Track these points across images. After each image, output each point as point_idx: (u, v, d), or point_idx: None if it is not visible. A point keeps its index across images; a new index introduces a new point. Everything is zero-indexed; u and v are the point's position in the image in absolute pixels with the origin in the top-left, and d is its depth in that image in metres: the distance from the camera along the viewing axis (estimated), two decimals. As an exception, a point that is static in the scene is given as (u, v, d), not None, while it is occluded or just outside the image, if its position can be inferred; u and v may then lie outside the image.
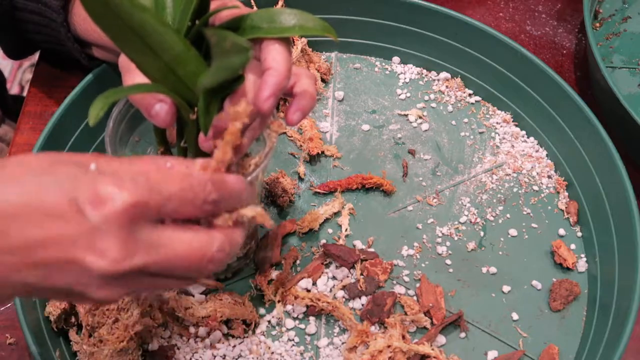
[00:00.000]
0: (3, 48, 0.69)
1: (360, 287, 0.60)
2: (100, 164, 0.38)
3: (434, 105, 0.74)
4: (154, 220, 0.38)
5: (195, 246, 0.39)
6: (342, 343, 0.58)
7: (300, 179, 0.68)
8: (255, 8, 0.71)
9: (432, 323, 0.59)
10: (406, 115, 0.73)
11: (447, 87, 0.75)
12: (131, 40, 0.40)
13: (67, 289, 0.37)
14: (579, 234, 0.66)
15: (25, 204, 0.36)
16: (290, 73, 0.46)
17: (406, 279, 0.62)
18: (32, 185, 0.36)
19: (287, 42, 0.46)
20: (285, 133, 0.71)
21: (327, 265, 0.62)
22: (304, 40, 0.73)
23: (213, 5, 0.47)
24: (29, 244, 0.36)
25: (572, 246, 0.65)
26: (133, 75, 0.48)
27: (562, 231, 0.66)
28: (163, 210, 0.37)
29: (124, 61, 0.49)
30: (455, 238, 0.65)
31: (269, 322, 0.59)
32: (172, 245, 0.38)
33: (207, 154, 0.48)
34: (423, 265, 0.63)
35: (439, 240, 0.65)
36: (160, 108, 0.45)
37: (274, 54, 0.45)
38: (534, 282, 0.63)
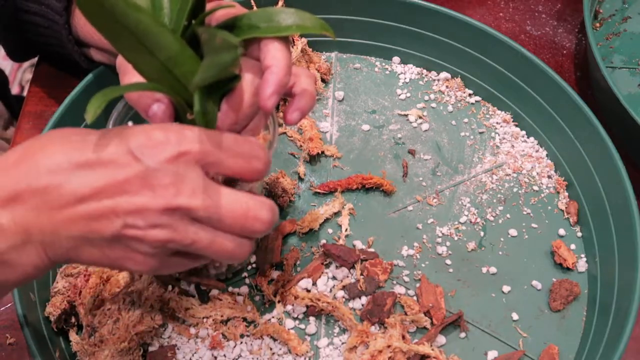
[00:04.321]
0: (6, 49, 0.69)
1: (360, 287, 0.60)
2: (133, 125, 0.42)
3: (434, 105, 0.74)
4: (202, 169, 0.40)
5: (240, 199, 0.41)
6: (342, 343, 0.58)
7: (300, 179, 0.68)
8: (255, 8, 0.71)
9: (432, 323, 0.59)
10: (406, 115, 0.73)
11: (447, 87, 0.75)
12: (127, 40, 0.40)
13: (115, 234, 0.39)
14: (579, 234, 0.66)
15: (78, 161, 0.39)
16: (291, 70, 0.46)
17: (406, 279, 0.62)
18: (81, 144, 0.40)
19: (286, 41, 0.46)
20: (285, 133, 0.71)
21: (327, 265, 0.62)
22: (304, 40, 0.73)
23: (209, 6, 0.47)
24: (85, 195, 0.39)
25: (572, 246, 0.65)
26: (130, 76, 0.48)
27: (562, 231, 0.66)
28: (210, 159, 0.40)
29: (121, 62, 0.49)
30: (455, 238, 0.65)
31: (269, 322, 0.59)
32: (219, 193, 0.41)
33: None
34: (423, 265, 0.63)
35: (439, 240, 0.65)
36: (157, 108, 0.45)
37: (273, 52, 0.45)
38: (534, 282, 0.63)
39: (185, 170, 0.39)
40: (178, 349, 0.57)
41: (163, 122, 0.46)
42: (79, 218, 0.39)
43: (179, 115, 0.46)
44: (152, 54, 0.41)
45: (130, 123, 0.53)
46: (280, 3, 0.71)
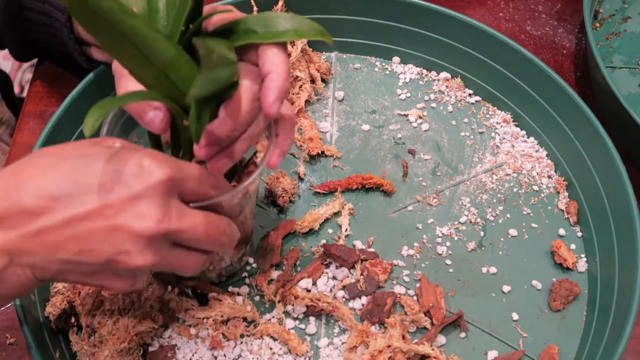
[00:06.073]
0: (9, 48, 0.70)
1: (360, 287, 0.60)
2: (123, 144, 0.44)
3: (434, 105, 0.74)
4: (179, 196, 0.43)
5: (211, 218, 0.45)
6: (342, 343, 0.58)
7: (300, 179, 0.68)
8: (255, 8, 0.71)
9: (432, 323, 0.59)
10: (406, 115, 0.73)
11: (447, 87, 0.75)
12: (123, 46, 0.40)
13: (106, 260, 0.41)
14: (579, 234, 0.66)
15: (66, 185, 0.40)
16: (289, 76, 0.46)
17: (406, 279, 0.62)
18: (70, 168, 0.41)
19: (284, 46, 0.46)
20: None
21: (327, 265, 0.62)
22: (304, 40, 0.73)
23: (206, 10, 0.47)
24: (73, 219, 0.40)
25: (572, 246, 0.65)
26: (126, 81, 0.47)
27: (562, 231, 0.66)
28: (185, 187, 0.43)
29: (117, 67, 0.49)
30: (455, 238, 0.65)
31: (269, 322, 0.59)
32: (195, 216, 0.44)
33: (201, 161, 0.48)
34: (423, 265, 0.63)
35: (439, 240, 0.65)
36: (154, 115, 0.45)
37: (271, 58, 0.45)
38: (534, 282, 0.63)
39: (169, 197, 0.42)
40: (178, 349, 0.57)
41: (159, 129, 0.46)
42: (68, 241, 0.40)
43: (175, 122, 0.46)
44: (149, 59, 0.41)
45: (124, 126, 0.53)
46: (281, 3, 0.71)
